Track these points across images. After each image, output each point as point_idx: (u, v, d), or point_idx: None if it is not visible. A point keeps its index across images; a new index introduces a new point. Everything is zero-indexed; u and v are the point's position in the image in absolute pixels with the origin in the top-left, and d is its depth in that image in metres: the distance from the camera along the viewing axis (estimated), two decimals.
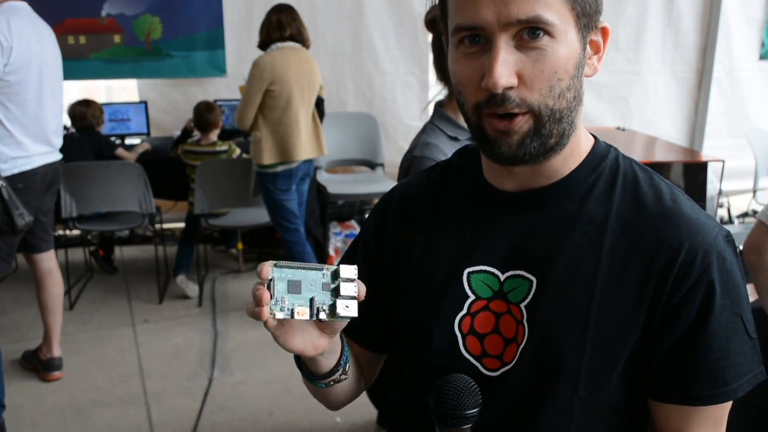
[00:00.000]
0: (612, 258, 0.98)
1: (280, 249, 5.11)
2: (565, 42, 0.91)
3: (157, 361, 3.85)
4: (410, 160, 2.02)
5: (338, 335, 1.00)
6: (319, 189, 5.20)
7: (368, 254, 1.20)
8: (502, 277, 1.03)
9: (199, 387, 3.56)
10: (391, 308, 1.17)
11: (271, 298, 0.87)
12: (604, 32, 0.99)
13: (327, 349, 0.98)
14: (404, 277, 1.13)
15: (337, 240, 5.36)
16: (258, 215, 4.77)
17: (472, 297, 1.05)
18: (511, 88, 0.90)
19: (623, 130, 5.29)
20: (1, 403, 3.11)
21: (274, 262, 0.89)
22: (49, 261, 3.61)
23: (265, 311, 0.86)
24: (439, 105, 2.10)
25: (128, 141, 5.33)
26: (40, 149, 3.31)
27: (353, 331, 1.21)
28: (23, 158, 3.23)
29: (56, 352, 3.66)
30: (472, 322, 1.05)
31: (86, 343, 4.08)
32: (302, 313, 0.88)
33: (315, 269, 0.89)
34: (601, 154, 1.05)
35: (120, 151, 4.75)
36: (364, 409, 2.99)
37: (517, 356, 1.01)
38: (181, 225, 5.27)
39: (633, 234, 0.98)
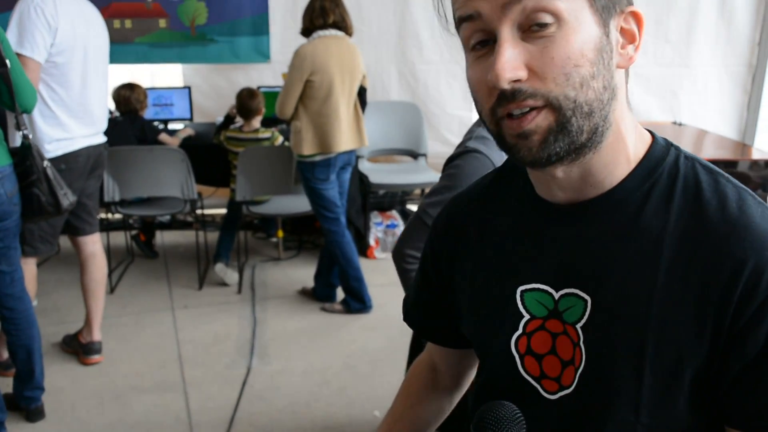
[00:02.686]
0: (669, 276, 0.88)
1: (320, 237, 5.09)
2: (577, 25, 0.82)
3: (196, 348, 3.85)
4: (461, 151, 1.96)
5: None
6: (360, 178, 5.15)
7: (428, 276, 1.21)
8: (557, 296, 0.97)
9: (237, 375, 3.54)
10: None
11: None
12: (637, 18, 0.89)
13: None
14: (461, 297, 1.12)
15: (378, 230, 5.31)
16: (299, 203, 4.74)
17: (527, 316, 1.00)
18: (519, 81, 0.83)
19: (680, 124, 5.13)
20: (41, 385, 3.13)
21: None
22: (93, 244, 3.62)
23: None
24: None
25: (171, 126, 5.34)
26: (85, 131, 3.31)
27: (431, 337, 1.25)
28: (67, 140, 3.24)
29: (96, 336, 3.68)
30: (529, 342, 0.99)
31: (126, 328, 4.09)
32: None
33: None
34: (658, 157, 0.94)
35: (163, 136, 4.75)
36: None
37: (576, 380, 0.95)
38: (223, 211, 5.28)
39: (692, 249, 0.88)
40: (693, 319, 0.87)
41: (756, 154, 4.32)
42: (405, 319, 1.28)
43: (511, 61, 0.82)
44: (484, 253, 1.06)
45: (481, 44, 0.87)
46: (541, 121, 0.84)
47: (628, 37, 0.89)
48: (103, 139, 3.51)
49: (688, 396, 0.90)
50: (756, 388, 0.86)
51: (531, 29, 0.82)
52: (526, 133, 0.85)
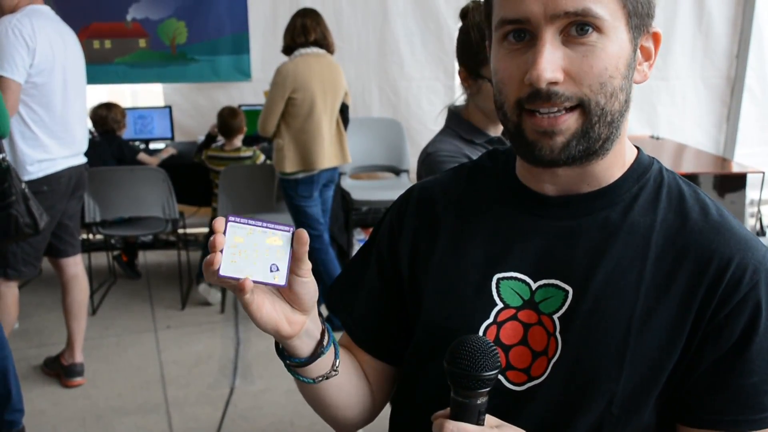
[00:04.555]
0: (656, 270, 0.93)
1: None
2: (615, 39, 0.87)
3: (179, 369, 3.82)
4: (422, 159, 1.97)
5: (317, 319, 0.97)
6: (343, 195, 5.15)
7: (381, 257, 1.14)
8: (534, 286, 0.98)
9: (220, 396, 3.52)
10: (405, 315, 1.11)
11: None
12: (656, 38, 0.95)
13: (303, 330, 0.94)
14: (424, 281, 1.07)
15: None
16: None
17: (500, 305, 0.99)
18: (556, 83, 0.86)
19: (657, 138, 5.18)
20: (20, 407, 3.08)
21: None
22: (75, 266, 3.59)
23: (218, 258, 0.83)
24: (455, 108, 2.05)
25: (153, 146, 5.32)
26: (66, 152, 3.30)
27: (361, 338, 1.15)
28: (48, 161, 3.22)
29: (78, 358, 3.64)
30: (498, 332, 0.99)
31: (108, 349, 4.06)
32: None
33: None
34: (645, 164, 1.01)
35: (142, 156, 4.74)
36: None
37: (548, 371, 0.95)
38: (206, 230, 5.25)
39: (680, 246, 0.93)
40: (676, 312, 0.91)
41: (736, 168, 4.36)
42: (348, 326, 1.17)
43: (552, 63, 0.85)
44: (460, 239, 1.05)
45: (515, 36, 0.89)
46: (572, 123, 0.88)
47: (645, 55, 0.94)
48: (83, 159, 3.50)
49: (660, 393, 0.92)
50: (724, 378, 0.90)
51: (571, 35, 0.86)
52: (554, 132, 0.88)
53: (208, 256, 0.83)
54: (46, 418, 3.33)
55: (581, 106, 0.87)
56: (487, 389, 0.85)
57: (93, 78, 4.94)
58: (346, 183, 5.36)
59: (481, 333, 0.99)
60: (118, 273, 5.18)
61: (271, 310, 0.89)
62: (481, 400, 0.86)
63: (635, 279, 0.93)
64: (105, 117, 4.65)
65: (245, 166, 4.62)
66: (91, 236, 4.79)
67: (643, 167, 1.00)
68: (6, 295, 3.27)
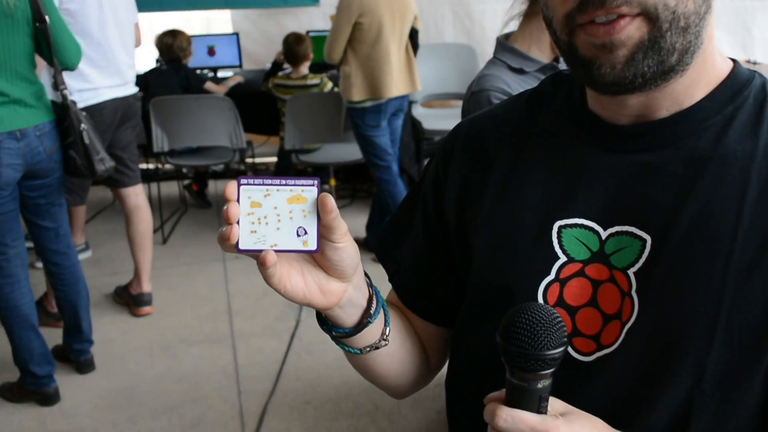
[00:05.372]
0: (758, 210, 0.74)
1: (374, 186, 4.98)
2: None
3: (246, 300, 3.81)
4: (467, 98, 1.80)
5: (363, 284, 0.83)
6: (414, 124, 4.99)
7: (426, 206, 0.99)
8: (604, 235, 0.81)
9: (286, 328, 3.49)
10: (455, 272, 0.97)
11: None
12: None
13: (345, 299, 0.80)
14: (473, 232, 0.92)
15: None
16: (351, 151, 4.62)
17: (563, 258, 0.83)
18: None
19: (754, 63, 4.80)
20: (89, 338, 3.13)
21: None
22: (136, 197, 3.58)
23: (235, 231, 0.70)
24: (504, 38, 1.87)
25: (220, 74, 5.26)
26: (108, 82, 3.23)
27: (408, 299, 1.02)
28: (89, 91, 3.15)
29: (146, 287, 3.66)
30: (562, 291, 0.82)
31: (177, 279, 4.08)
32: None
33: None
34: (743, 79, 0.81)
35: (209, 85, 4.67)
36: None
37: (621, 337, 0.78)
38: (275, 159, 5.20)
39: None
40: None
41: None
42: (395, 286, 1.04)
43: None
44: (515, 179, 0.89)
45: None
46: (633, 31, 0.70)
47: None
48: (132, 90, 3.45)
49: (767, 368, 0.74)
50: None
51: None
52: (613, 45, 0.71)
53: (224, 229, 0.71)
54: (115, 347, 3.37)
55: (645, 14, 0.70)
56: (551, 370, 0.68)
57: (162, 5, 4.89)
58: (418, 112, 5.19)
59: (541, 291, 0.83)
60: (188, 202, 5.20)
61: (299, 282, 0.76)
62: (543, 384, 0.68)
63: (731, 222, 0.74)
64: (170, 45, 4.58)
65: (312, 94, 4.50)
66: (160, 166, 4.80)
67: (740, 83, 0.80)
68: None
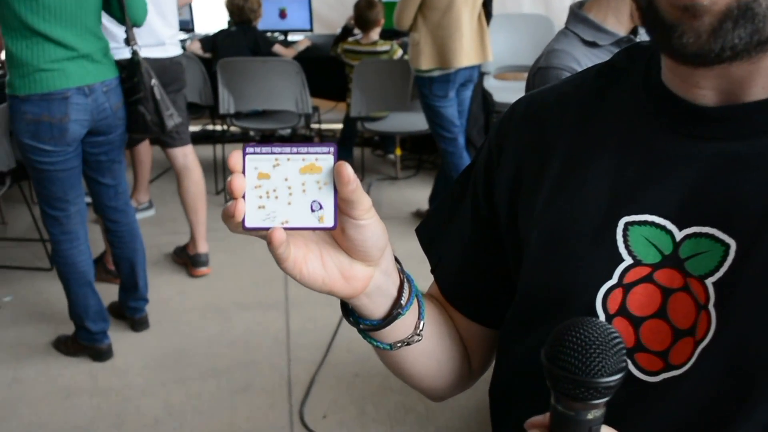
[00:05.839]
0: None
1: (440, 157, 4.89)
2: None
3: None
4: (533, 73, 1.67)
5: (393, 270, 0.73)
6: (484, 96, 4.85)
7: (476, 192, 0.88)
8: (679, 236, 0.69)
9: None
10: (505, 269, 0.86)
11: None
12: None
13: (372, 287, 0.70)
14: (527, 223, 0.80)
15: None
16: (417, 121, 4.51)
17: (628, 260, 0.71)
18: None
19: None
20: (145, 297, 3.14)
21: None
22: (184, 157, 3.55)
23: (240, 207, 0.61)
24: (578, 6, 1.72)
25: (290, 37, 5.20)
26: (141, 41, 3.01)
27: (449, 293, 0.91)
28: (117, 49, 3.05)
29: (202, 248, 3.66)
30: (625, 298, 0.70)
31: (235, 242, 4.03)
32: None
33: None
34: None
35: (278, 48, 4.62)
36: None
37: (694, 358, 0.67)
38: (340, 126, 5.14)
39: None
40: None
41: None
42: (437, 278, 0.95)
43: None
44: (577, 166, 0.77)
45: None
46: None
47: None
48: (174, 52, 3.38)
49: None
50: None
51: None
52: (696, 9, 0.59)
53: (228, 205, 0.62)
54: (170, 307, 3.38)
55: None
56: (604, 400, 0.57)
57: None
58: (489, 83, 5.04)
59: (600, 297, 0.72)
60: None
61: (317, 266, 0.66)
62: (594, 414, 0.57)
63: None
64: (241, 7, 4.52)
65: (381, 61, 4.41)
66: (226, 127, 4.79)
67: None
68: None
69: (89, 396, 2.78)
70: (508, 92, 5.01)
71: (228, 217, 0.61)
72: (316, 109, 4.62)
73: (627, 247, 0.71)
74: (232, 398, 2.76)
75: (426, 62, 3.75)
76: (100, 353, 2.95)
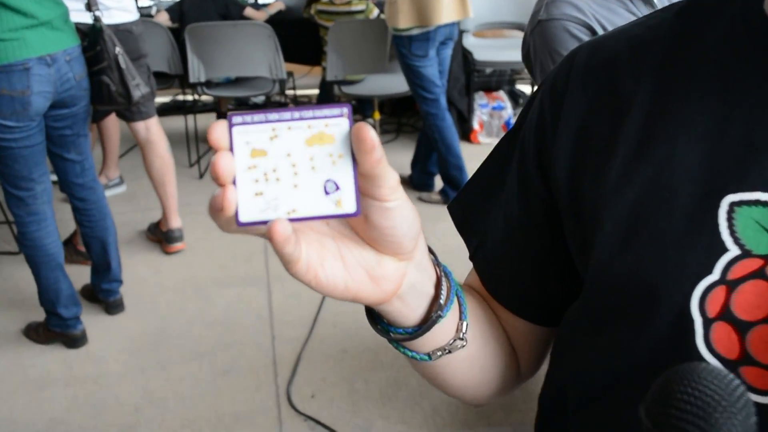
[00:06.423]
0: None
1: (420, 120, 4.75)
2: None
3: None
4: (531, 29, 1.52)
5: (427, 262, 0.56)
6: (464, 55, 4.71)
7: (525, 165, 0.71)
8: None
9: None
10: (564, 258, 0.69)
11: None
12: None
13: (406, 286, 0.55)
14: (596, 201, 0.63)
15: (483, 112, 4.89)
16: (396, 83, 4.37)
17: (734, 250, 0.54)
18: None
19: None
20: (118, 278, 3.00)
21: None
22: (146, 131, 3.34)
23: (231, 196, 0.44)
24: None
25: (261, 0, 5.01)
26: (76, 4, 2.72)
27: (495, 286, 0.75)
28: (74, 12, 2.80)
29: (174, 223, 3.50)
30: (729, 299, 0.54)
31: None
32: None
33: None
34: None
35: (249, 11, 4.45)
36: None
37: None
38: (316, 92, 4.98)
39: None
40: None
41: None
42: (478, 267, 0.78)
43: None
44: (657, 131, 0.60)
45: None
46: None
47: None
48: (123, 18, 3.05)
49: None
50: None
51: None
52: None
53: (215, 195, 0.44)
54: (146, 287, 3.24)
55: None
56: None
57: None
58: (469, 41, 4.89)
59: (696, 297, 0.55)
60: None
61: (337, 267, 0.50)
62: None
63: None
64: None
65: (356, 21, 4.25)
66: (196, 97, 4.61)
67: None
68: None
69: (64, 386, 2.64)
70: (488, 50, 4.88)
71: (216, 212, 0.45)
72: (290, 74, 4.45)
73: (732, 233, 0.55)
74: (216, 382, 2.64)
75: (404, 20, 3.59)
76: (74, 340, 2.81)
